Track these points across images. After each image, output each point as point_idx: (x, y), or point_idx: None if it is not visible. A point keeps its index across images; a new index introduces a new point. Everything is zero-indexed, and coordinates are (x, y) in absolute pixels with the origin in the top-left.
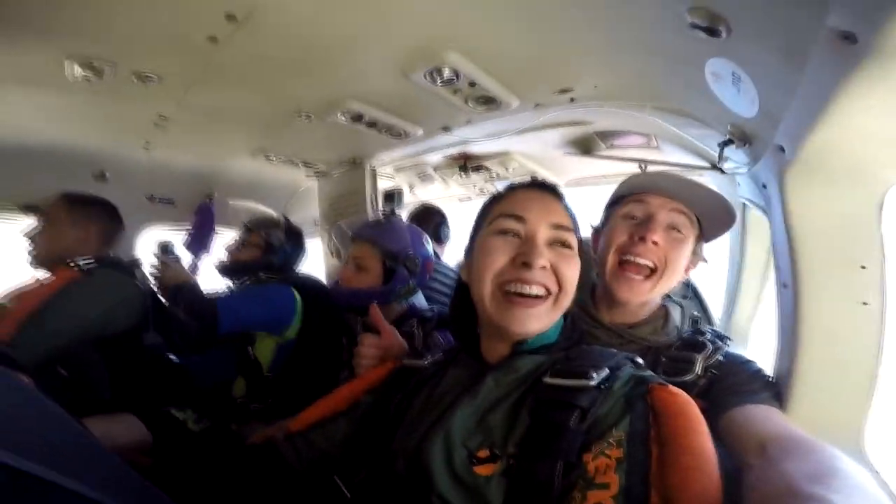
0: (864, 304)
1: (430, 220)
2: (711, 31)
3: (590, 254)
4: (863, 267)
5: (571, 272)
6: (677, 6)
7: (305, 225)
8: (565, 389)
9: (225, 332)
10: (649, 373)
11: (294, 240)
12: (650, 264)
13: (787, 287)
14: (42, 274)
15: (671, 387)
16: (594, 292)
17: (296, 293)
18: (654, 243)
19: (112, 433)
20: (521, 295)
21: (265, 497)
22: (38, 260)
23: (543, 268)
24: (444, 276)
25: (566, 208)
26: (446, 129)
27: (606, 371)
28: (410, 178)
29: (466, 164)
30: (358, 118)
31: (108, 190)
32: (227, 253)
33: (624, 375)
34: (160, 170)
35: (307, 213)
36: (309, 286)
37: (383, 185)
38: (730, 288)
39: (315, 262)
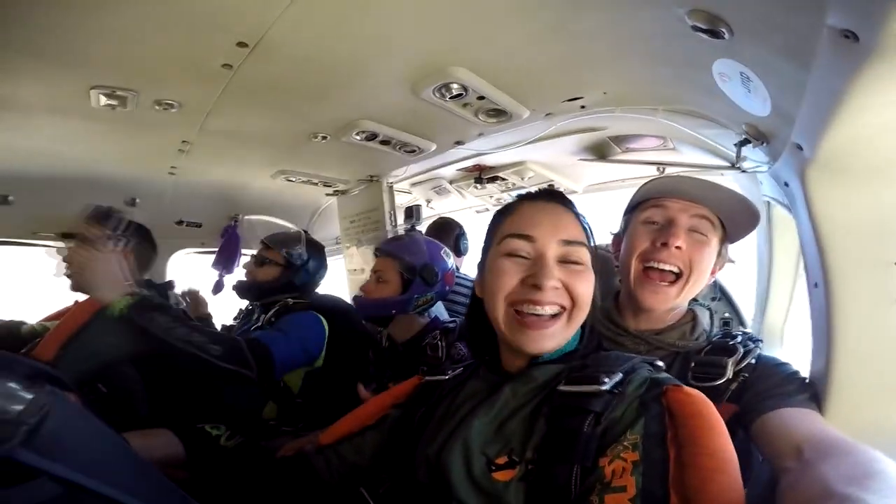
0: None
1: (450, 232)
2: (713, 33)
3: (611, 261)
4: None
5: (584, 288)
6: (677, 10)
7: (327, 242)
8: (579, 395)
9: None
10: (665, 375)
11: (316, 256)
12: (675, 269)
13: (818, 287)
14: (81, 297)
15: (686, 388)
16: (618, 299)
17: (323, 320)
18: (678, 248)
19: (149, 447)
20: (534, 315)
21: None
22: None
23: (555, 287)
24: (465, 288)
25: (577, 218)
26: (459, 142)
27: (620, 375)
28: (427, 192)
29: (482, 175)
30: (372, 137)
31: (139, 215)
32: (245, 272)
33: (638, 378)
34: (186, 194)
35: (329, 230)
36: (331, 307)
37: (400, 200)
38: (761, 288)
39: (336, 279)
